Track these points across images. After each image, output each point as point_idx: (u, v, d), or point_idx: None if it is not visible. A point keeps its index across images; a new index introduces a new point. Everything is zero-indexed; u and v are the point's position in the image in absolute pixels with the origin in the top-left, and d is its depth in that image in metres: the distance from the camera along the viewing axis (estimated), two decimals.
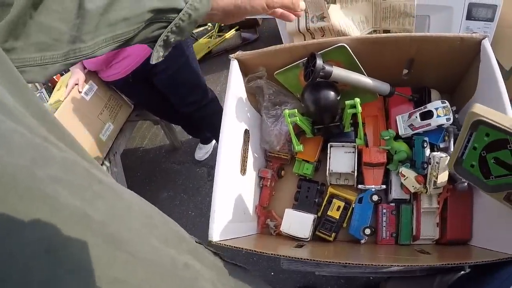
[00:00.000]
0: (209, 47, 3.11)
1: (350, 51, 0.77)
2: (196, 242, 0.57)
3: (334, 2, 0.96)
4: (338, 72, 0.82)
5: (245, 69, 0.93)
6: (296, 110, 0.88)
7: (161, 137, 2.45)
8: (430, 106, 0.84)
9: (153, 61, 0.69)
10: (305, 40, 1.03)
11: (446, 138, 0.85)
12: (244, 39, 2.97)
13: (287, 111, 0.86)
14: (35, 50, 0.52)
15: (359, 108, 0.82)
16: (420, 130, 0.86)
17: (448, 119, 0.82)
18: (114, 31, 0.58)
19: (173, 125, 2.20)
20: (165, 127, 2.19)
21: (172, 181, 2.15)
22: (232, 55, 0.90)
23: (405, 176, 0.84)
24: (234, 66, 0.90)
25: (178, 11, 0.62)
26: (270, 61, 0.90)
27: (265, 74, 0.92)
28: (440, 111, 0.83)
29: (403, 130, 0.88)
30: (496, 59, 0.98)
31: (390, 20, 0.96)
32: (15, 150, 0.28)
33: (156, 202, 2.06)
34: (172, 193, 2.10)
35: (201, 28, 3.10)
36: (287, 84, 0.94)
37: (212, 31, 3.06)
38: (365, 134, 0.90)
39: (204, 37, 3.14)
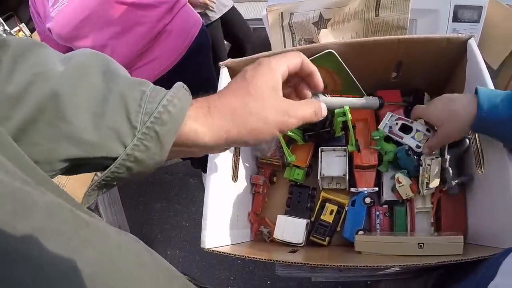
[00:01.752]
0: None
1: (338, 57, 0.77)
2: (187, 278, 0.48)
3: (325, 27, 0.96)
4: (326, 98, 0.82)
5: (234, 76, 0.93)
6: None
7: None
8: (416, 125, 0.85)
9: (85, 203, 0.53)
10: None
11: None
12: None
13: None
14: None
15: (349, 116, 0.83)
16: (393, 137, 0.86)
17: (418, 147, 0.82)
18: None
19: None
20: None
21: (165, 192, 2.14)
22: (222, 62, 0.90)
23: (401, 183, 0.84)
24: (224, 73, 0.89)
25: (111, 159, 0.46)
26: None
27: None
28: (419, 135, 0.84)
29: (382, 126, 0.88)
30: (484, 60, 0.99)
31: (382, 34, 0.96)
32: None
33: (150, 213, 2.06)
34: (166, 204, 2.09)
35: None
36: None
37: None
38: (356, 140, 0.90)
39: None
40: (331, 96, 0.81)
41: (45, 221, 0.28)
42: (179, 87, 0.49)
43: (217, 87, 0.85)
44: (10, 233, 0.25)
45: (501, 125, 0.64)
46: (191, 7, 1.61)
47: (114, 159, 0.46)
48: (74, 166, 0.47)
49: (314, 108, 0.57)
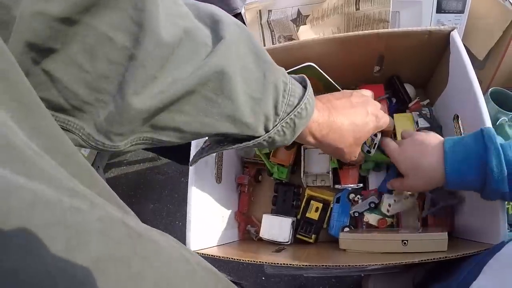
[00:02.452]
0: None
1: (319, 69, 0.76)
2: (228, 279, 0.49)
3: (304, 23, 0.95)
4: None
5: None
6: None
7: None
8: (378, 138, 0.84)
9: (191, 163, 0.63)
10: None
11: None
12: None
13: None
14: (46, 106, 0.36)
15: None
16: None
17: (368, 152, 0.81)
18: (157, 135, 0.46)
19: None
20: None
21: (157, 193, 2.13)
22: None
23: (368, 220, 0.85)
24: None
25: (254, 138, 0.53)
26: None
27: None
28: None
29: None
30: (470, 50, 0.99)
31: (364, 27, 0.95)
32: (40, 242, 0.21)
33: (143, 214, 2.05)
34: (159, 205, 2.08)
35: None
36: None
37: None
38: None
39: None
40: None
41: (102, 247, 0.25)
42: (309, 86, 0.57)
43: None
44: (66, 271, 0.22)
45: (473, 187, 0.63)
46: None
47: (256, 137, 0.53)
48: (214, 136, 0.52)
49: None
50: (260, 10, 0.96)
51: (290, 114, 0.53)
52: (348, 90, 0.73)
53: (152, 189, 2.17)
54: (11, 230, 0.19)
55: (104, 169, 1.82)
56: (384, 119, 0.72)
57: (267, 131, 0.52)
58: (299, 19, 0.94)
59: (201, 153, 0.60)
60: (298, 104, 0.53)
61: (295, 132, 0.55)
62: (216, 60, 0.43)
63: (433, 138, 0.70)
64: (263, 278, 1.66)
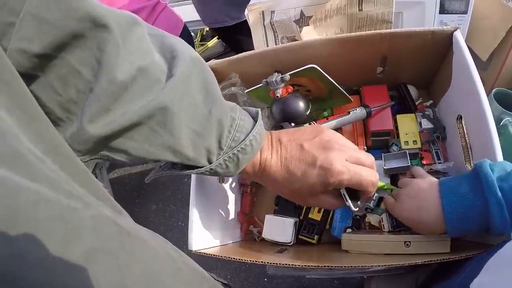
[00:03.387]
0: None
1: (321, 71, 0.76)
2: (214, 279, 0.53)
3: (307, 24, 0.95)
4: None
5: (218, 77, 0.92)
6: None
7: None
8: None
9: (147, 180, 0.64)
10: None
11: None
12: (226, 47, 2.96)
13: None
14: None
15: None
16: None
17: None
18: (111, 154, 0.50)
19: None
20: None
21: (160, 193, 2.13)
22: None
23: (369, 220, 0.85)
24: None
25: (196, 167, 0.56)
26: (242, 67, 0.89)
27: (239, 81, 0.91)
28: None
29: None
30: (473, 51, 0.98)
31: (367, 28, 0.95)
32: (43, 232, 0.25)
33: (146, 214, 2.05)
34: (161, 205, 2.08)
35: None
36: (259, 99, 0.93)
37: (194, 40, 3.05)
38: None
39: None
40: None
41: (94, 240, 0.29)
42: (261, 124, 0.59)
43: None
44: (64, 260, 0.26)
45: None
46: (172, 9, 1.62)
47: (198, 167, 0.56)
48: (158, 161, 0.55)
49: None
50: (263, 11, 0.96)
51: (234, 149, 0.56)
52: (321, 128, 0.64)
53: (155, 190, 2.17)
54: (21, 222, 0.23)
55: (107, 170, 1.82)
56: (341, 178, 0.58)
57: (210, 163, 0.56)
58: (302, 20, 0.94)
59: (157, 171, 0.62)
60: (243, 140, 0.56)
61: (239, 166, 0.58)
62: (162, 98, 0.48)
63: (428, 187, 0.67)
64: (265, 279, 1.66)
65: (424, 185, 0.68)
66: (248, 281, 1.67)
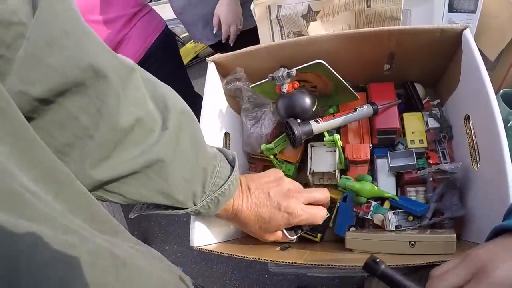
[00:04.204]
0: (196, 51, 3.09)
1: (328, 66, 0.75)
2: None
3: (315, 19, 0.94)
4: (318, 127, 0.82)
5: (223, 72, 0.92)
6: (272, 144, 0.87)
7: None
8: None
9: (131, 215, 0.67)
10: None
11: None
12: None
13: (263, 146, 0.87)
14: None
15: (339, 143, 0.83)
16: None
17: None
18: (106, 196, 0.54)
19: None
20: None
21: None
22: (209, 58, 0.88)
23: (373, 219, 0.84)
24: (211, 69, 0.88)
25: (183, 209, 0.63)
26: (247, 62, 0.88)
27: (244, 76, 0.90)
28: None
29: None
30: (481, 51, 0.97)
31: (375, 25, 0.94)
32: (42, 275, 0.27)
33: (148, 214, 2.05)
34: None
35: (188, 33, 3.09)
36: (264, 94, 0.92)
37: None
38: (346, 158, 0.88)
39: (191, 41, 3.12)
40: (323, 121, 0.80)
41: (90, 276, 0.31)
42: (236, 171, 0.67)
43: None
44: None
45: None
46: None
47: (185, 208, 0.62)
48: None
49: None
50: (269, 6, 0.95)
51: (215, 192, 0.64)
52: (281, 175, 0.75)
53: None
54: (23, 269, 0.26)
55: None
56: (300, 218, 0.72)
57: (195, 204, 0.63)
58: (310, 15, 0.93)
59: (141, 208, 0.65)
60: (223, 185, 0.64)
61: (219, 207, 0.66)
62: (158, 150, 0.52)
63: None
64: (266, 275, 1.66)
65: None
66: (249, 277, 1.68)
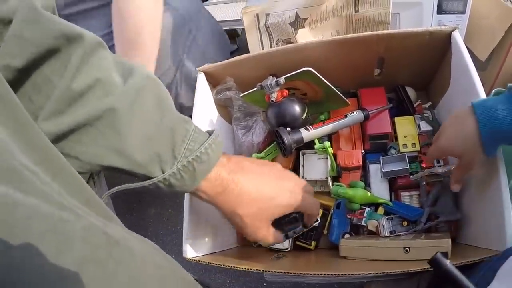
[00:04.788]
0: None
1: (316, 73, 0.75)
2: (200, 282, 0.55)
3: (303, 26, 0.94)
4: (308, 135, 0.82)
5: (213, 81, 0.91)
6: (263, 152, 0.87)
7: None
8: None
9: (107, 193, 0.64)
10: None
11: None
12: None
13: (255, 155, 0.87)
14: None
15: (330, 150, 0.82)
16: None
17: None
18: None
19: None
20: None
21: (159, 198, 2.12)
22: (199, 68, 0.87)
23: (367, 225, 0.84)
24: (201, 79, 0.87)
25: (149, 178, 0.55)
26: (237, 71, 0.88)
27: (234, 85, 0.89)
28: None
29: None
30: (472, 51, 0.97)
31: (364, 30, 0.94)
32: (37, 244, 0.28)
33: (145, 219, 2.03)
34: (160, 210, 2.06)
35: None
36: (255, 103, 0.91)
37: None
38: (337, 165, 0.87)
39: None
40: (313, 129, 0.80)
41: (84, 249, 0.31)
42: (216, 135, 0.58)
43: None
44: (57, 268, 0.28)
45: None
46: None
47: (151, 177, 0.54)
48: (111, 171, 0.54)
49: None
50: (257, 14, 0.95)
51: (188, 157, 0.54)
52: (274, 163, 0.70)
53: (153, 195, 2.16)
54: (17, 236, 0.27)
55: (105, 175, 1.80)
56: (305, 202, 0.66)
57: (163, 172, 0.54)
58: (298, 22, 0.92)
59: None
60: (198, 148, 0.55)
61: (196, 177, 0.56)
62: (110, 100, 0.49)
63: (463, 112, 0.65)
64: (265, 284, 1.64)
65: (458, 113, 0.67)
66: (247, 285, 1.66)
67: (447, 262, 0.50)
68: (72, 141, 0.49)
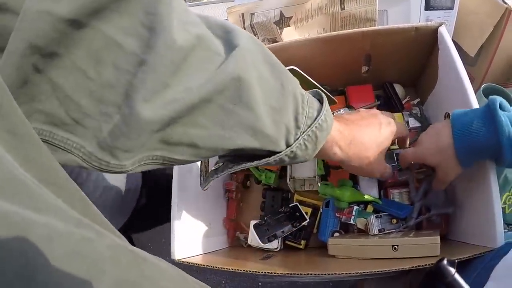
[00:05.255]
0: None
1: (302, 72, 0.74)
2: None
3: (288, 25, 0.93)
4: None
5: None
6: None
7: None
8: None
9: (204, 187, 0.59)
10: None
11: None
12: None
13: None
14: (43, 121, 0.35)
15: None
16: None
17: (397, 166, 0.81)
18: (170, 153, 0.41)
19: None
20: None
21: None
22: None
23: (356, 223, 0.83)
24: None
25: (275, 153, 0.49)
26: None
27: None
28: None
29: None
30: (461, 47, 0.96)
31: (350, 27, 0.93)
32: (64, 272, 0.22)
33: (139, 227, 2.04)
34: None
35: None
36: None
37: None
38: (326, 164, 0.87)
39: None
40: None
41: (116, 272, 0.26)
42: (325, 98, 0.54)
43: None
44: None
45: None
46: None
47: (277, 152, 0.48)
48: (232, 154, 0.48)
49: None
50: (242, 14, 0.94)
51: (312, 126, 0.49)
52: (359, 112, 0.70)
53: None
54: (39, 265, 0.20)
55: None
56: (396, 126, 0.68)
57: (288, 145, 0.49)
58: (282, 21, 0.92)
59: (214, 174, 0.56)
60: (318, 116, 0.50)
61: (317, 145, 0.52)
62: (233, 67, 0.39)
63: (441, 125, 0.68)
64: (260, 283, 1.64)
65: (437, 124, 0.70)
66: (243, 285, 1.66)
67: (453, 272, 0.49)
68: (186, 125, 0.39)
